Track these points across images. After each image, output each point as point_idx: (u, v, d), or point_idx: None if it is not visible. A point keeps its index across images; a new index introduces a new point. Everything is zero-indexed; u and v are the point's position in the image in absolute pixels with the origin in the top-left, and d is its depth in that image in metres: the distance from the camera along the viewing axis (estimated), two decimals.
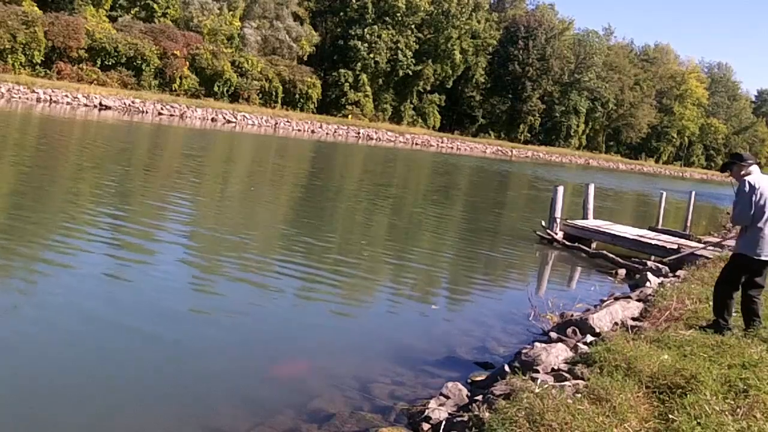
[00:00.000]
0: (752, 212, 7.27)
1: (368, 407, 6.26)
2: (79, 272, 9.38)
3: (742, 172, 7.53)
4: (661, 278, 12.48)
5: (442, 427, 5.42)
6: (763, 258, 7.32)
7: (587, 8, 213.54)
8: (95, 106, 52.27)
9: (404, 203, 25.14)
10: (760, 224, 7.27)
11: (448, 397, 6.18)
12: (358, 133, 75.36)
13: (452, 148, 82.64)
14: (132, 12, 70.99)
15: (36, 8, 60.51)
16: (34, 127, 33.17)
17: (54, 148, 25.13)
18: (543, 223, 18.09)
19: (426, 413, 5.77)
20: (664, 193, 22.83)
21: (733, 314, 7.74)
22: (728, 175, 7.88)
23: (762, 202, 7.26)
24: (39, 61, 57.94)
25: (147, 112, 55.36)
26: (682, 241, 17.60)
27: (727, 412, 4.99)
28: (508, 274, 14.19)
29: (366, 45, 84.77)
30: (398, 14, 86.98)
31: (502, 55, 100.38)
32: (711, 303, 8.12)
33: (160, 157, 28.72)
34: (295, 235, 15.16)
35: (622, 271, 14.97)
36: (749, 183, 7.35)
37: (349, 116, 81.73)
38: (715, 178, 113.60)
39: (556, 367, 6.51)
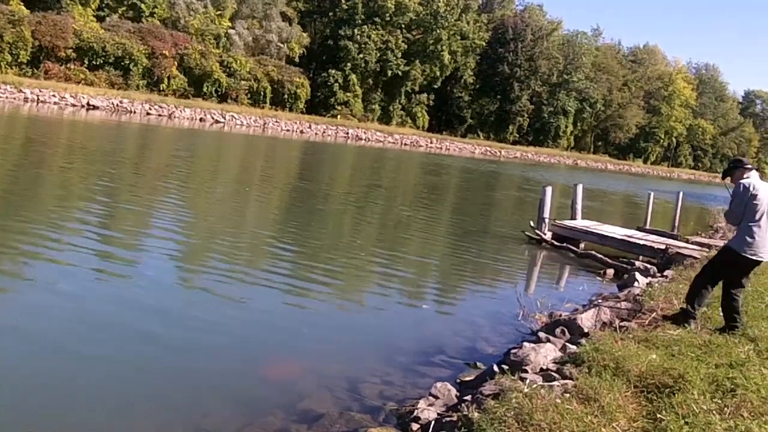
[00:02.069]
0: (743, 212, 7.43)
1: (357, 407, 6.26)
2: (66, 273, 9.33)
3: (744, 176, 7.69)
4: (649, 278, 12.53)
5: (431, 427, 5.43)
6: (750, 257, 7.44)
7: (575, 9, 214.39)
8: (83, 106, 51.99)
9: (394, 204, 25.13)
10: (751, 224, 7.40)
11: (437, 397, 6.19)
12: (347, 133, 75.30)
13: (441, 148, 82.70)
14: (119, 12, 70.59)
15: (23, 7, 60.10)
16: (21, 127, 32.94)
17: (40, 149, 24.96)
18: (532, 224, 18.14)
19: (415, 413, 5.78)
20: (652, 194, 22.91)
21: (702, 310, 7.95)
22: (729, 181, 7.97)
23: (755, 203, 7.41)
24: (26, 61, 57.57)
25: (135, 112, 55.11)
26: (670, 241, 17.68)
27: (714, 411, 5.02)
28: (497, 274, 14.21)
29: (356, 45, 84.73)
30: (387, 15, 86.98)
31: (490, 55, 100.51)
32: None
33: (148, 158, 28.60)
34: (284, 236, 15.13)
35: (611, 271, 15.03)
36: (743, 185, 7.53)
37: (338, 116, 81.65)
38: (702, 179, 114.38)
39: (544, 367, 6.53)
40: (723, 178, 8.10)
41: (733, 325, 7.49)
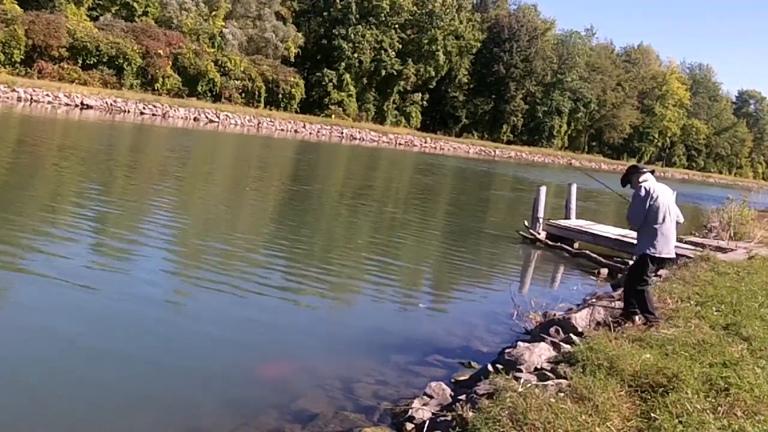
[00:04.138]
0: (645, 215, 7.94)
1: (352, 407, 6.25)
2: (60, 272, 9.28)
3: (640, 179, 8.19)
4: None
5: (426, 426, 5.42)
6: (661, 256, 7.98)
7: (568, 9, 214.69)
8: (77, 106, 51.82)
9: (388, 204, 25.14)
10: (655, 225, 7.92)
11: (431, 397, 6.18)
12: (342, 133, 75.23)
13: (435, 148, 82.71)
14: (112, 11, 70.33)
15: (16, 6, 59.77)
16: (13, 127, 32.81)
17: (32, 149, 24.87)
18: (526, 223, 18.15)
19: (410, 413, 5.78)
20: None
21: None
22: (629, 188, 8.47)
23: (657, 205, 7.92)
24: (19, 60, 57.33)
25: (129, 112, 54.95)
26: None
27: (708, 411, 5.03)
28: (492, 273, 14.21)
29: (350, 45, 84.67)
30: (382, 14, 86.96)
31: (485, 55, 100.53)
32: (690, 302, 8.27)
33: (142, 158, 28.52)
34: (279, 237, 15.12)
35: (605, 271, 15.05)
36: (645, 188, 8.04)
37: (333, 116, 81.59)
38: (696, 179, 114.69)
39: (539, 367, 6.53)
40: (623, 185, 8.56)
41: (649, 315, 7.88)
